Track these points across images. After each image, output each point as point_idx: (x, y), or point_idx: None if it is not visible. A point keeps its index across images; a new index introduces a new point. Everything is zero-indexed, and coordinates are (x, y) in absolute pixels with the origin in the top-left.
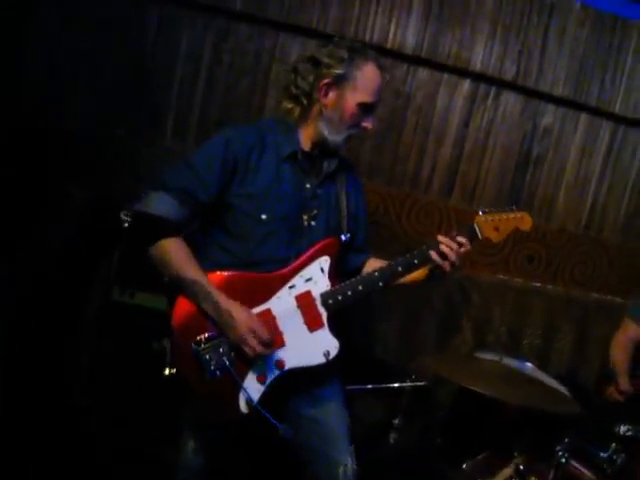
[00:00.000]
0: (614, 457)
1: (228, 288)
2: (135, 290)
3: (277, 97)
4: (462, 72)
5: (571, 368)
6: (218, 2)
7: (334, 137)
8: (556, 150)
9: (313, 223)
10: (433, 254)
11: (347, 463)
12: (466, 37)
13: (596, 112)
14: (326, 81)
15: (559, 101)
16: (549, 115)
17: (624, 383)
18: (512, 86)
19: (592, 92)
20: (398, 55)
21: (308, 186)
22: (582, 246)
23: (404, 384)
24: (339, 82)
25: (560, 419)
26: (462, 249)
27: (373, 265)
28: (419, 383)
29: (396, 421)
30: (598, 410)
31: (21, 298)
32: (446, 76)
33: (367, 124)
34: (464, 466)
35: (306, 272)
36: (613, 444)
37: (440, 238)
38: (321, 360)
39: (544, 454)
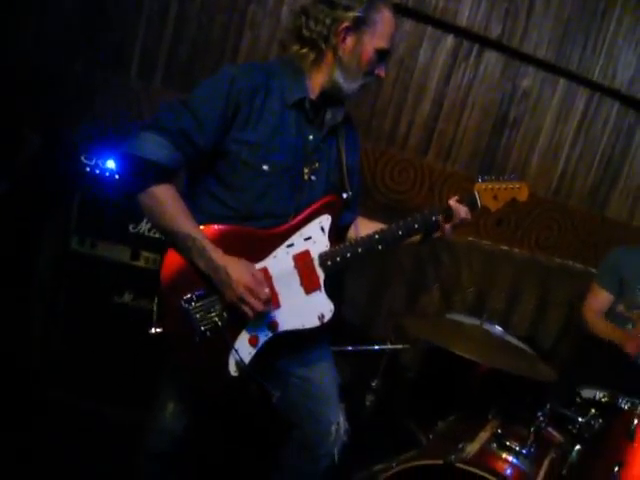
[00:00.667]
0: (592, 422)
1: (224, 243)
2: (96, 239)
3: (252, 39)
4: (447, 26)
5: (531, 330)
6: None
7: (349, 85)
8: (533, 114)
9: (314, 178)
10: (439, 219)
11: (339, 421)
12: None
13: (574, 77)
14: (345, 24)
15: (540, 63)
16: (529, 77)
17: (633, 346)
18: (496, 45)
19: (573, 57)
20: None
21: (311, 137)
22: (550, 212)
23: (385, 346)
24: (358, 26)
25: (534, 383)
26: (466, 219)
27: (363, 225)
28: (400, 346)
29: (374, 383)
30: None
31: None
32: (430, 29)
33: (380, 72)
34: (437, 427)
35: (306, 230)
36: (592, 410)
37: (452, 204)
38: (315, 323)
39: (518, 418)
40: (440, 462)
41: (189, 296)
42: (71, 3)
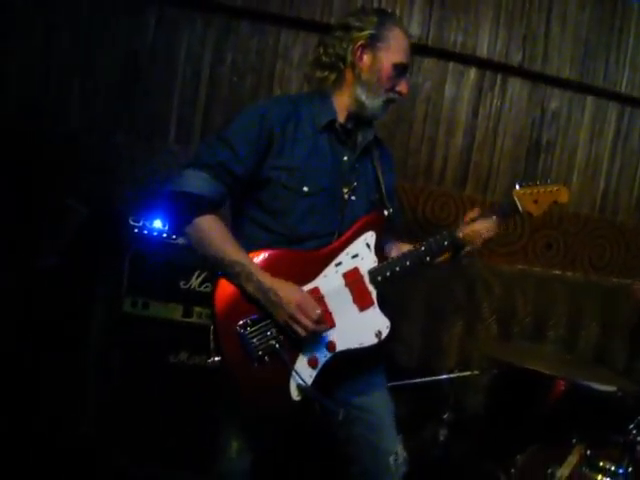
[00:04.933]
0: None
1: (272, 267)
2: (148, 300)
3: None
4: (468, 60)
5: (598, 354)
6: None
7: (372, 102)
8: (565, 134)
9: (353, 197)
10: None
11: (397, 451)
12: (470, 24)
13: (602, 93)
14: (361, 42)
15: (566, 84)
16: (556, 99)
17: None
18: (518, 72)
19: (598, 74)
20: None
21: (345, 158)
22: (598, 230)
23: (454, 375)
24: (373, 43)
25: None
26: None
27: (404, 246)
28: (469, 373)
29: (445, 416)
30: None
31: (14, 320)
32: (452, 65)
33: (402, 88)
34: (516, 460)
35: (352, 248)
36: None
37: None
38: (373, 341)
39: (606, 440)
40: None
41: (244, 321)
42: (110, 76)
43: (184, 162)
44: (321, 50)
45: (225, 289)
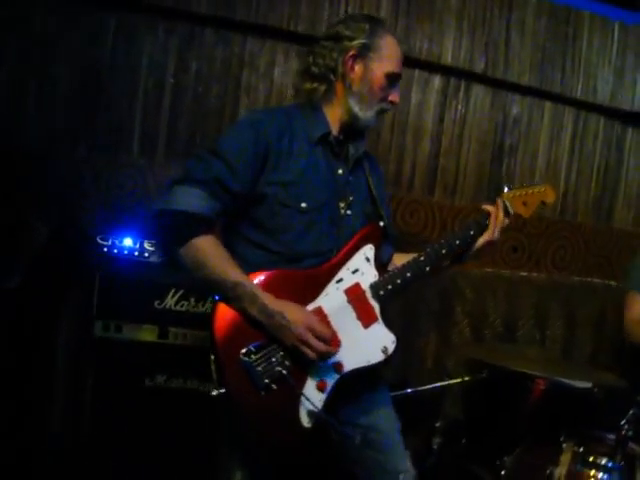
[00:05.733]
0: None
1: (272, 288)
2: (120, 322)
3: (248, 104)
4: (433, 67)
5: (564, 351)
6: (180, 5)
7: (365, 113)
8: (527, 139)
9: (349, 212)
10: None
11: (406, 469)
12: (435, 32)
13: (559, 99)
14: (352, 53)
15: (526, 90)
16: (517, 105)
17: None
18: (481, 78)
19: (555, 80)
20: None
21: (340, 172)
22: (560, 232)
23: (450, 381)
24: (364, 53)
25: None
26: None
27: (400, 257)
28: (459, 380)
29: (438, 424)
30: None
31: None
32: (417, 72)
33: (394, 98)
34: (504, 462)
35: (352, 263)
36: None
37: (489, 209)
38: (380, 357)
39: (594, 437)
40: None
41: (247, 349)
42: (69, 88)
43: (173, 178)
44: (310, 60)
45: (225, 314)
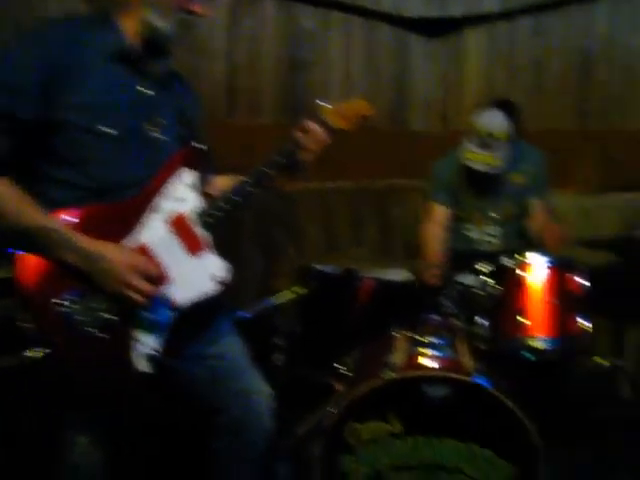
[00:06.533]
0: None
1: (84, 229)
2: None
3: None
4: None
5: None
6: None
7: (163, 23)
8: (321, 52)
9: (162, 136)
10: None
11: (260, 390)
12: None
13: (349, 9)
14: None
15: (317, 2)
16: (308, 18)
17: (432, 277)
18: None
19: None
20: None
21: (145, 91)
22: (360, 139)
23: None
24: None
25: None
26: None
27: (221, 180)
28: (293, 295)
29: (278, 341)
30: None
31: None
32: None
33: (197, 7)
34: (345, 362)
35: (171, 191)
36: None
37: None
38: (212, 286)
39: (418, 322)
40: (380, 382)
41: (62, 300)
42: None
43: None
44: None
45: (30, 266)
